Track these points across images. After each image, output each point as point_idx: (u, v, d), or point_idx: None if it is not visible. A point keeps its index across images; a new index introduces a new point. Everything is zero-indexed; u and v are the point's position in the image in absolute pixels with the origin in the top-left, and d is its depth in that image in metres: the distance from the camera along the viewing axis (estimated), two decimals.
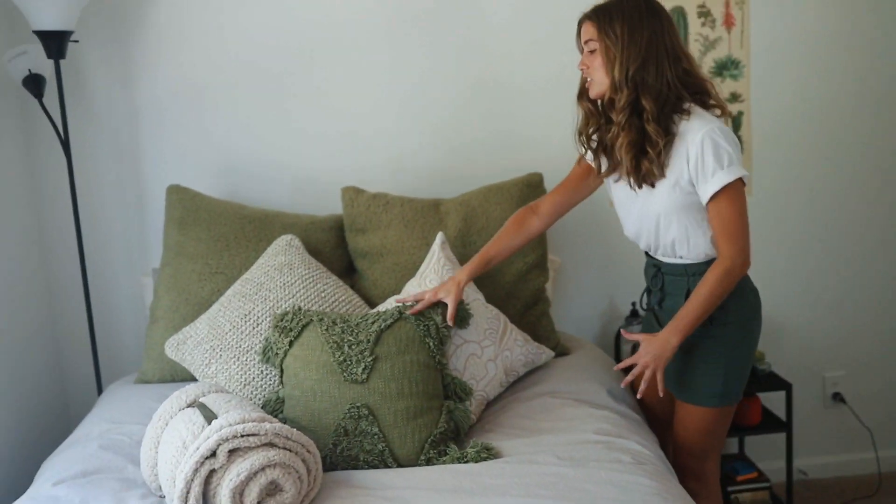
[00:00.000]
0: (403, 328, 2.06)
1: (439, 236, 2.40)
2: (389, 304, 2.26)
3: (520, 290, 2.50)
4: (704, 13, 2.88)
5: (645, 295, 2.24)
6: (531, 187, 2.57)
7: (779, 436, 2.81)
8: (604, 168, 2.11)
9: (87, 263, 2.64)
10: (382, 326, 2.05)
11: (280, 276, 2.36)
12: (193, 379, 2.33)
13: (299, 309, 2.16)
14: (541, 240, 2.55)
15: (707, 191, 1.93)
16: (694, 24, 2.88)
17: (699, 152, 1.91)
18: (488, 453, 1.93)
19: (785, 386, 2.74)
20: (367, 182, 2.69)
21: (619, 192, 2.13)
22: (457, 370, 2.15)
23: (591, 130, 2.10)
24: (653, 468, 1.87)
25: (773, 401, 2.87)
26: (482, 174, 2.74)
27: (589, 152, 2.13)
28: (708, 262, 2.02)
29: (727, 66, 2.92)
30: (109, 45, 2.71)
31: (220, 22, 2.75)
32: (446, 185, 2.78)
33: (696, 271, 2.03)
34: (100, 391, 2.67)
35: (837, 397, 3.17)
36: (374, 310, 2.29)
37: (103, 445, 2.07)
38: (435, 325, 2.09)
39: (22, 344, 2.59)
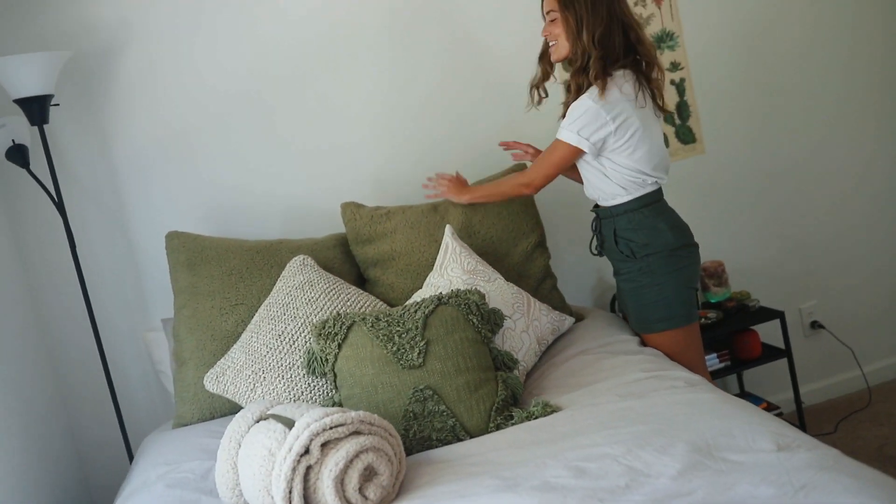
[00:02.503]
0: (446, 311, 2.16)
1: (448, 229, 2.51)
2: (421, 295, 2.35)
3: (528, 270, 2.63)
4: None
5: (593, 242, 2.54)
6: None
7: (772, 368, 3.02)
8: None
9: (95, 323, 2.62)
10: (426, 312, 2.14)
11: (303, 294, 2.42)
12: (234, 412, 2.35)
13: (339, 314, 2.22)
14: (537, 220, 2.70)
15: (558, 133, 2.34)
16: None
17: (573, 108, 2.30)
18: (552, 407, 2.03)
19: (777, 315, 2.95)
20: (358, 200, 2.77)
21: None
22: (498, 344, 2.25)
23: (545, 86, 2.47)
24: (706, 386, 2.01)
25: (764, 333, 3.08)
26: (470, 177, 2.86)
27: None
28: (625, 204, 2.34)
29: (663, 39, 3.17)
30: (83, 104, 2.73)
31: (191, 61, 2.80)
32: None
33: (618, 212, 2.36)
34: (128, 450, 2.64)
35: (815, 325, 3.41)
36: (411, 300, 2.37)
37: (170, 484, 2.06)
38: (475, 303, 2.19)
39: (35, 417, 2.53)
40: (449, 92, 3.00)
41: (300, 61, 2.89)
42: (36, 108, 2.43)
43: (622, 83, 2.26)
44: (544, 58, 2.46)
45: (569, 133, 2.29)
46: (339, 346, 2.14)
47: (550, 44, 2.39)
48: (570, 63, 2.33)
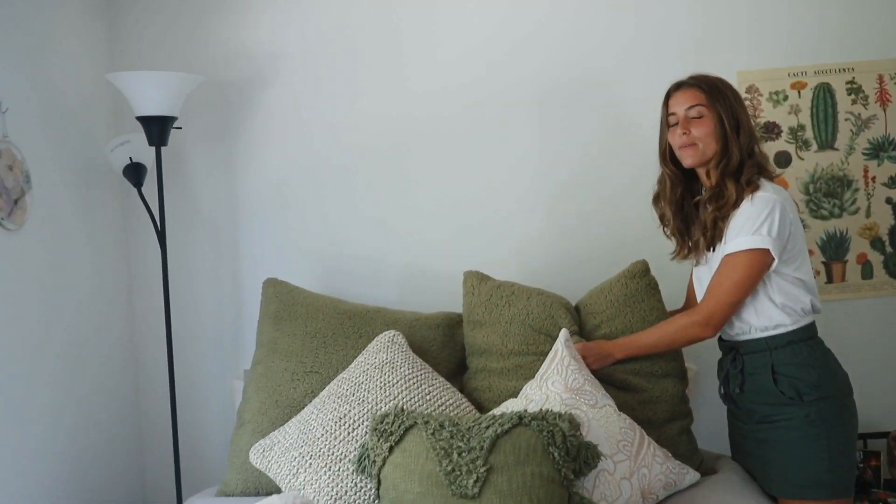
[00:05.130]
0: (524, 435, 1.74)
1: (563, 333, 2.09)
2: (508, 406, 1.95)
3: (655, 401, 2.14)
4: (855, 89, 2.57)
5: (722, 387, 2.08)
6: (636, 278, 2.24)
7: None
8: (677, 247, 2.14)
9: (175, 364, 2.46)
10: (499, 432, 1.73)
11: (380, 376, 2.10)
12: (279, 491, 2.05)
13: (402, 409, 1.87)
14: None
15: (728, 247, 1.93)
16: (843, 102, 2.57)
17: (750, 209, 1.91)
18: None
19: None
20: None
21: (699, 272, 2.11)
22: (584, 488, 1.79)
23: (675, 195, 2.09)
24: None
25: None
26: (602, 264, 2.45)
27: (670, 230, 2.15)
28: (788, 334, 1.93)
29: (884, 147, 2.58)
30: (212, 133, 2.64)
31: (331, 108, 2.65)
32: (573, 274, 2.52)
33: (777, 343, 1.93)
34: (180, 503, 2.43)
35: None
36: (489, 413, 1.97)
37: None
38: (561, 432, 1.75)
39: (104, 444, 2.40)
40: (599, 170, 2.62)
41: (448, 122, 2.64)
42: (156, 128, 2.33)
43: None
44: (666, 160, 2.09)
45: (748, 238, 1.88)
46: (391, 448, 1.79)
47: (681, 146, 2.01)
48: (716, 166, 1.98)
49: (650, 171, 2.16)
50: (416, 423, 1.81)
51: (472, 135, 2.64)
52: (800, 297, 1.94)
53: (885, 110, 2.58)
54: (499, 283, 2.29)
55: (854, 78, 2.57)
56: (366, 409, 2.03)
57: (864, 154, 2.58)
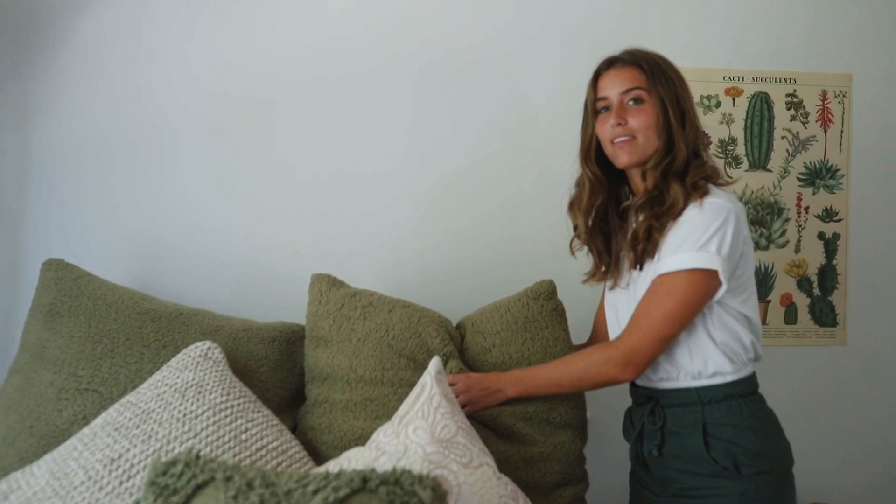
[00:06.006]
0: None
1: (434, 363, 1.57)
2: (352, 459, 1.41)
3: (546, 459, 1.66)
4: (795, 104, 2.22)
5: (634, 445, 1.63)
6: (540, 300, 1.77)
7: None
8: (593, 267, 1.70)
9: None
10: (331, 500, 1.19)
11: (182, 403, 1.52)
12: None
13: (196, 456, 1.29)
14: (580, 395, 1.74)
15: (664, 265, 1.47)
16: (781, 117, 2.21)
17: (697, 218, 1.47)
18: None
19: None
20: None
21: (614, 298, 1.67)
22: None
23: (595, 202, 1.64)
24: None
25: None
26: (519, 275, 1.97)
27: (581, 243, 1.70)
28: (727, 386, 1.50)
29: (821, 174, 2.24)
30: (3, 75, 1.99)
31: (153, 53, 2.05)
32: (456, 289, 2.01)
33: (712, 397, 1.50)
34: None
35: None
36: (322, 468, 1.43)
37: None
38: (419, 502, 1.23)
39: None
40: (499, 166, 2.15)
41: (314, 90, 2.11)
42: None
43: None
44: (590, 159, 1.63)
45: (692, 255, 1.44)
46: None
47: (617, 140, 1.55)
48: (656, 166, 1.53)
49: (564, 171, 1.70)
50: (213, 478, 1.24)
51: (342, 110, 2.11)
52: (743, 339, 1.52)
53: (825, 132, 2.23)
54: (355, 290, 1.75)
55: (796, 91, 2.22)
56: (151, 450, 1.44)
57: (798, 179, 2.22)
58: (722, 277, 1.44)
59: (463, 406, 1.59)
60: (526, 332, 1.69)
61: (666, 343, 1.48)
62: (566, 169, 1.69)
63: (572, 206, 1.67)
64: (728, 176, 1.71)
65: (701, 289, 1.44)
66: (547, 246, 1.99)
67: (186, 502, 1.24)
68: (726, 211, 1.45)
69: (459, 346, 1.72)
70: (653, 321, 1.46)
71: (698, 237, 1.44)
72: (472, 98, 2.13)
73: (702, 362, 1.51)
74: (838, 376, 2.25)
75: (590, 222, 1.63)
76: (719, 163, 2.18)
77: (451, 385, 1.59)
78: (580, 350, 1.63)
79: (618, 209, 1.63)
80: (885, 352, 2.27)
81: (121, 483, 1.40)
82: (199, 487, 1.24)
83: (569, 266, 1.75)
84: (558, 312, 1.73)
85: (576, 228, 1.67)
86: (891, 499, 2.26)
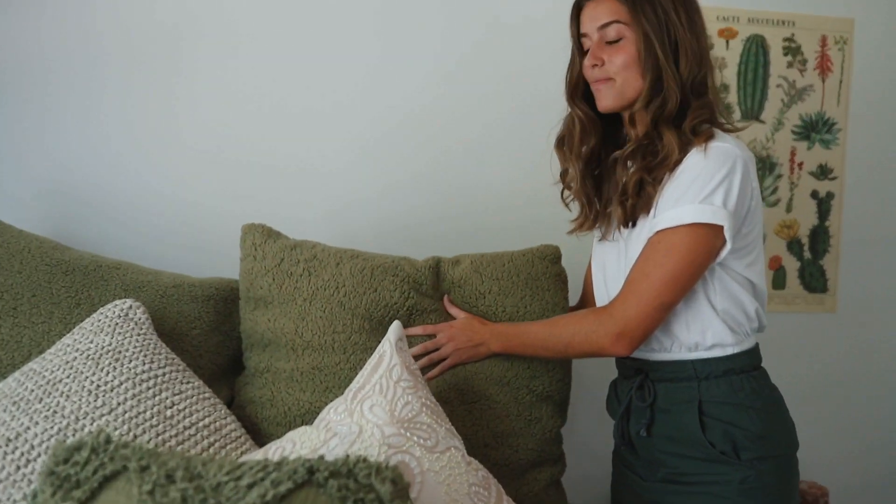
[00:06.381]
0: (315, 502, 0.99)
1: (394, 329, 1.35)
2: (297, 442, 1.20)
3: (520, 439, 1.47)
4: (793, 49, 2.03)
5: (619, 422, 1.45)
6: (546, 260, 1.57)
7: None
8: (580, 214, 1.49)
9: None
10: (269, 498, 0.97)
11: (95, 372, 1.28)
12: None
13: (107, 440, 1.06)
14: (567, 370, 1.55)
15: (662, 220, 1.28)
16: (777, 63, 2.03)
17: (701, 164, 1.27)
18: None
19: None
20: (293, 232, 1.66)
21: (603, 253, 1.48)
22: None
23: (586, 147, 1.43)
24: None
25: None
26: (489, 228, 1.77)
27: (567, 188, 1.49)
28: (727, 359, 1.33)
29: (817, 128, 2.06)
30: None
31: None
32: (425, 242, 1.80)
33: (710, 371, 1.33)
34: None
35: None
36: (261, 453, 1.21)
37: None
38: (376, 498, 1.02)
39: None
40: (474, 104, 1.92)
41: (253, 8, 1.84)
42: None
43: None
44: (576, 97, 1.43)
45: (694, 207, 1.25)
46: None
47: (594, 81, 1.37)
48: (643, 108, 1.32)
49: (554, 113, 1.49)
50: (125, 468, 1.02)
51: (291, 33, 1.86)
52: (746, 307, 1.34)
53: (823, 81, 2.05)
54: (295, 242, 1.52)
55: (794, 35, 2.03)
56: (56, 429, 1.21)
57: (793, 132, 2.05)
58: (727, 235, 1.25)
59: (442, 359, 1.43)
60: (527, 288, 1.50)
61: (666, 311, 1.29)
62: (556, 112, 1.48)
63: (561, 143, 1.46)
64: (734, 122, 1.51)
65: (705, 247, 1.25)
66: (524, 195, 1.78)
67: (91, 498, 1.02)
68: (734, 157, 1.26)
69: (434, 282, 1.50)
70: (651, 285, 1.27)
71: (701, 187, 1.25)
72: (445, 24, 1.90)
73: (700, 332, 1.33)
74: (825, 346, 2.10)
75: (580, 169, 1.42)
76: None
77: (432, 336, 1.41)
78: (572, 313, 1.43)
79: (611, 157, 1.43)
80: (874, 322, 2.13)
81: (17, 469, 1.17)
82: (107, 479, 1.03)
83: (547, 215, 1.55)
84: (561, 279, 1.55)
85: (564, 174, 1.47)
86: (876, 471, 2.14)
